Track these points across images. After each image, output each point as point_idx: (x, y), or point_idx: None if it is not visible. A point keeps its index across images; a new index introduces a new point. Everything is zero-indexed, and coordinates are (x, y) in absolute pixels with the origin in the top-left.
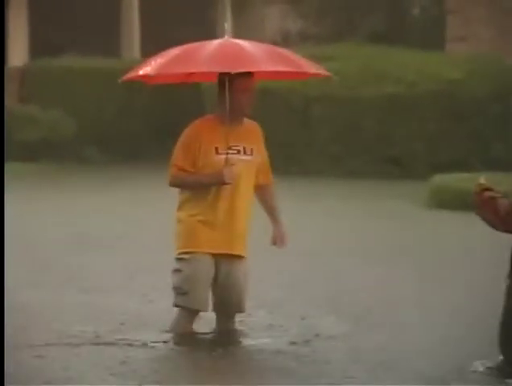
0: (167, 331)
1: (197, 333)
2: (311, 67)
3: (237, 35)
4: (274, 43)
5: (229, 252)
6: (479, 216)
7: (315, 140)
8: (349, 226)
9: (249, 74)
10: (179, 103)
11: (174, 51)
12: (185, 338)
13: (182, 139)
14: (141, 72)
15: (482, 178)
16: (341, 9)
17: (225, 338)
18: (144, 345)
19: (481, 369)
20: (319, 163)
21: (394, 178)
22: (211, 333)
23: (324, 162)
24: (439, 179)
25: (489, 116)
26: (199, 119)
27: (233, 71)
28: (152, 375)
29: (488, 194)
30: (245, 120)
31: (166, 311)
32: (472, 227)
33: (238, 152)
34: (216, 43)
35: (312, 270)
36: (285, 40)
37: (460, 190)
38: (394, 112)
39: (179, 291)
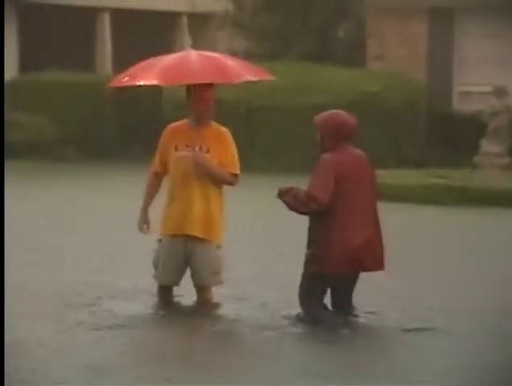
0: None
1: (174, 302)
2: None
3: None
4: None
5: (183, 232)
6: (284, 201)
7: (257, 142)
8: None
9: (207, 85)
10: (142, 110)
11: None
12: (164, 306)
13: (160, 141)
14: (141, 82)
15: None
16: (278, 33)
17: (197, 307)
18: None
19: (289, 315)
20: (260, 161)
21: None
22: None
23: (264, 161)
24: None
25: (400, 122)
26: (173, 123)
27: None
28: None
29: (291, 187)
30: (214, 125)
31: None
32: (389, 212)
33: (194, 149)
34: (193, 55)
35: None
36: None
37: (379, 184)
38: None
39: (154, 268)
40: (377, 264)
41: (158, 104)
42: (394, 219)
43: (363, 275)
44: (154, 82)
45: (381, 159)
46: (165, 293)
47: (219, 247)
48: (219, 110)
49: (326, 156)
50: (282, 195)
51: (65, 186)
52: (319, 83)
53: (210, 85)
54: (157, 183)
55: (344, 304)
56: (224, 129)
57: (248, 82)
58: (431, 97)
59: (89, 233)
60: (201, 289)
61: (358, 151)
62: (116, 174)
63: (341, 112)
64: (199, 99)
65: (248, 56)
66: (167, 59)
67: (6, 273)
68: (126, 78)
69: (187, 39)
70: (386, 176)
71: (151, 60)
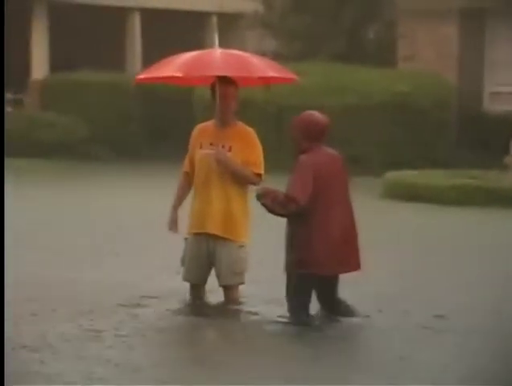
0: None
1: (203, 302)
2: (286, 73)
3: None
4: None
5: (204, 231)
6: (262, 204)
7: (286, 142)
8: None
9: (229, 82)
10: (173, 110)
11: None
12: (192, 305)
13: (190, 141)
14: (163, 74)
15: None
16: (308, 33)
17: (221, 306)
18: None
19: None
20: (289, 162)
21: (353, 174)
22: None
23: (293, 161)
24: (392, 175)
25: (430, 123)
26: (201, 123)
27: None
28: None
29: (265, 188)
30: (240, 124)
31: None
32: (420, 214)
33: (216, 148)
34: (217, 52)
35: None
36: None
37: (409, 184)
38: (351, 119)
39: (181, 266)
40: (356, 264)
41: (188, 105)
42: (423, 220)
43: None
44: (176, 74)
45: (411, 160)
46: (195, 291)
47: (242, 247)
48: (248, 111)
49: (303, 157)
50: (260, 197)
51: (95, 185)
52: (349, 83)
53: (232, 83)
54: (187, 183)
55: (330, 303)
56: (249, 128)
57: (272, 82)
58: (461, 98)
59: (119, 233)
60: (227, 288)
61: (333, 151)
62: (145, 174)
63: (314, 112)
64: (220, 96)
65: (277, 57)
66: (191, 54)
67: (21, 270)
68: (150, 72)
69: (216, 38)
70: (417, 177)
71: (176, 56)
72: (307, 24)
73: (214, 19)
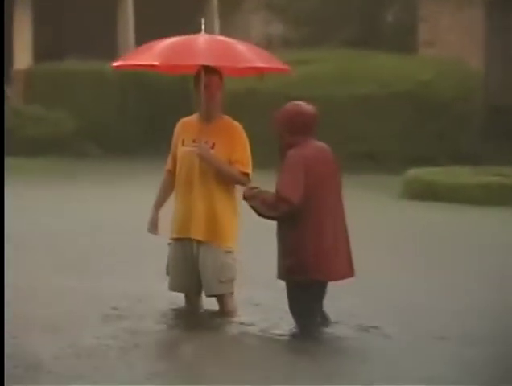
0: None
1: (197, 312)
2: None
3: None
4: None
5: (186, 235)
6: (251, 207)
7: None
8: None
9: (213, 71)
10: (168, 104)
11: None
12: (183, 315)
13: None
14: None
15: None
16: (319, 16)
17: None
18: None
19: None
20: None
21: (368, 172)
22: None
23: (277, 158)
24: (412, 173)
25: (454, 115)
26: (185, 118)
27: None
28: None
29: (254, 190)
30: (225, 119)
31: None
32: (442, 214)
33: (199, 145)
34: (202, 38)
35: None
36: (267, 44)
37: (431, 183)
38: (367, 111)
39: (166, 274)
40: (350, 269)
41: (186, 96)
42: (446, 221)
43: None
44: (152, 62)
45: (432, 156)
46: (188, 301)
47: (229, 252)
48: (253, 102)
49: (292, 152)
50: (248, 199)
51: (85, 184)
52: (364, 71)
53: (216, 72)
54: (170, 182)
55: (319, 312)
56: (235, 123)
57: (263, 71)
58: (488, 87)
59: (109, 236)
60: (218, 298)
61: (322, 144)
62: (139, 172)
63: (300, 102)
64: (204, 86)
65: (285, 43)
66: (172, 40)
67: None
68: (127, 58)
69: (216, 23)
70: (439, 174)
71: (156, 41)
72: (317, 6)
73: (215, 2)
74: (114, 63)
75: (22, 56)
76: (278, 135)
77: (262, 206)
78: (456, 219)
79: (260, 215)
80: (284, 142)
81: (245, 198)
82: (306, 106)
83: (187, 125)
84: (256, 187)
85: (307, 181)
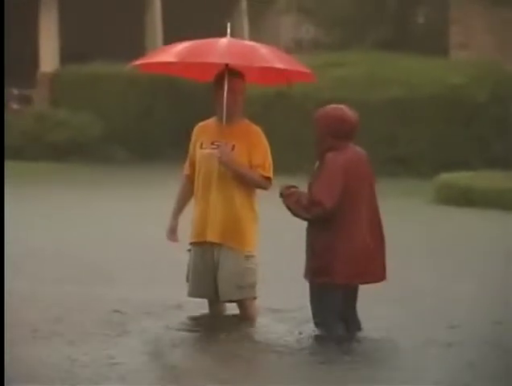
0: None
1: (221, 317)
2: (301, 67)
3: (252, 41)
4: (288, 50)
5: (204, 239)
6: (286, 206)
7: None
8: None
9: (236, 74)
10: (196, 108)
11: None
12: (202, 320)
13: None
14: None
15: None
16: (350, 18)
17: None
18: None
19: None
20: None
21: (399, 176)
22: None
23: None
24: (445, 177)
25: (488, 118)
26: (203, 121)
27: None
28: None
29: (292, 189)
30: (245, 122)
31: None
32: (477, 221)
33: (219, 146)
34: (224, 40)
35: None
36: (298, 47)
37: (464, 188)
38: (398, 114)
39: (186, 280)
40: (380, 273)
41: (213, 102)
42: (481, 228)
43: None
44: (170, 59)
45: (466, 160)
46: (212, 307)
47: (250, 257)
48: (283, 106)
49: (332, 156)
50: (284, 197)
51: (113, 191)
52: (395, 74)
53: (239, 76)
54: (189, 187)
55: (350, 316)
56: (255, 127)
57: (290, 80)
58: None
59: (140, 242)
60: (239, 304)
61: (359, 150)
62: (169, 178)
63: (343, 106)
64: (228, 90)
65: (315, 45)
66: (194, 41)
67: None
68: (146, 58)
69: (245, 26)
70: (473, 179)
71: (182, 42)
72: (347, 8)
73: (244, 4)
74: (134, 62)
75: (48, 59)
76: (318, 137)
77: (296, 206)
78: (491, 225)
79: (294, 215)
80: (325, 145)
81: (281, 195)
82: (350, 112)
83: (205, 128)
84: (294, 186)
85: (344, 186)
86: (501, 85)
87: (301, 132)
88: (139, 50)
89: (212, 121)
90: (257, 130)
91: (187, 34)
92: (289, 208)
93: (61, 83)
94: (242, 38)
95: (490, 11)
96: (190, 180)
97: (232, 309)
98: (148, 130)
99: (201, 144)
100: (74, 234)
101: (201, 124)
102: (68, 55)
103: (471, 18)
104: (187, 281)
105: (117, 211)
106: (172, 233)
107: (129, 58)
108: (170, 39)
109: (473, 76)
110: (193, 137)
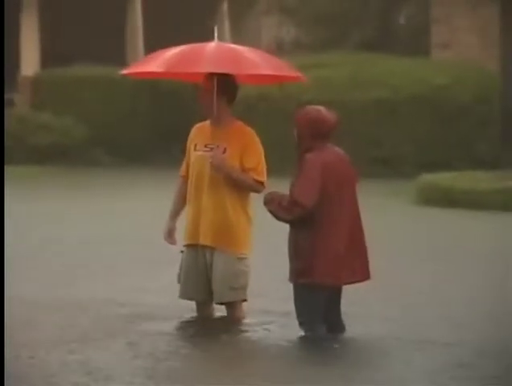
0: None
1: (209, 321)
2: (290, 71)
3: (234, 43)
4: (269, 51)
5: (196, 242)
6: (269, 211)
7: None
8: None
9: (208, 75)
10: (181, 109)
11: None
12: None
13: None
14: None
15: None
16: (332, 19)
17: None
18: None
19: None
20: None
21: (382, 177)
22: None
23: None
24: (427, 178)
25: (471, 119)
26: (199, 123)
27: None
28: None
29: (273, 194)
30: (238, 123)
31: None
32: (459, 222)
33: (211, 150)
34: (212, 45)
35: None
36: (279, 48)
37: (446, 189)
38: (380, 115)
39: (177, 281)
40: (364, 273)
41: (197, 103)
42: (463, 229)
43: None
44: (158, 69)
45: (449, 161)
46: (200, 309)
47: (242, 259)
48: (264, 107)
49: (311, 156)
50: (267, 203)
51: (96, 193)
52: (377, 75)
53: (218, 76)
54: (185, 188)
55: (333, 317)
56: (248, 128)
57: (279, 80)
58: (506, 91)
59: (124, 246)
60: (227, 305)
61: (339, 150)
62: (153, 181)
63: (321, 108)
64: (202, 91)
65: (297, 46)
66: (181, 48)
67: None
68: (135, 67)
69: (227, 27)
70: (455, 179)
71: (166, 50)
72: (328, 9)
73: (225, 5)
74: (123, 71)
75: (29, 62)
76: (297, 138)
77: (278, 208)
78: (474, 226)
79: (276, 218)
80: (304, 146)
81: (264, 203)
82: (328, 113)
83: (200, 130)
84: (276, 192)
85: (323, 186)
86: (484, 86)
87: (283, 133)
88: (119, 52)
89: (207, 122)
90: (249, 132)
91: (168, 36)
92: (271, 212)
93: (43, 86)
94: (224, 40)
95: (472, 11)
96: (185, 181)
97: (218, 311)
98: (131, 132)
99: (195, 146)
100: (58, 236)
101: (198, 125)
102: (50, 58)
103: (453, 17)
104: (179, 282)
105: (99, 212)
106: (170, 235)
107: (109, 60)
108: (150, 40)
109: (456, 77)
110: (189, 139)
